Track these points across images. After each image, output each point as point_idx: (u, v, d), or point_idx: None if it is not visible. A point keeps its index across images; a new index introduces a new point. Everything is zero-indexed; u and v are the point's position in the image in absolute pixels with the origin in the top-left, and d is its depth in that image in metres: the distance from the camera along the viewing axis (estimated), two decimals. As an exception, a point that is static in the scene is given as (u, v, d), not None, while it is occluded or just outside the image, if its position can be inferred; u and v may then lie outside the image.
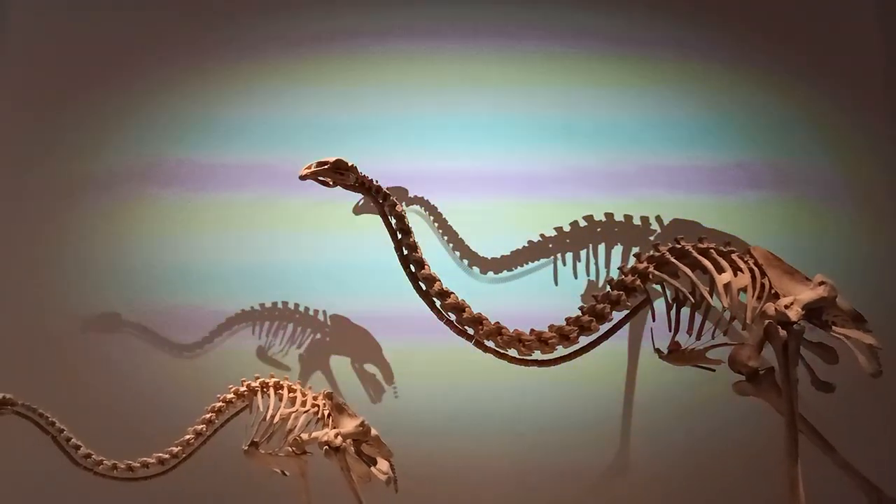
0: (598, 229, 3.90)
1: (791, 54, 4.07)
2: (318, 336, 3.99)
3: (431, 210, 4.02)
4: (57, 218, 4.11)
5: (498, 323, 2.82)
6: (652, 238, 3.85)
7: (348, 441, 3.05)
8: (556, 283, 3.89)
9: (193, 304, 4.00)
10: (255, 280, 4.01)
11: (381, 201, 2.82)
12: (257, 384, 3.34)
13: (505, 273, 3.96)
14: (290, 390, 3.31)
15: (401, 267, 2.82)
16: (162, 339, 3.99)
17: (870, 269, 3.85)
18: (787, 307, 2.68)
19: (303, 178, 2.72)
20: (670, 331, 2.84)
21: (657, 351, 2.89)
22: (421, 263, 2.82)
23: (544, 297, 3.82)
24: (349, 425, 3.09)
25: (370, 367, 3.95)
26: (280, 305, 4.01)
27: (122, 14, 4.27)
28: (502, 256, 3.97)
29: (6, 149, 4.18)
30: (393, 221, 2.83)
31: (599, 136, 4.04)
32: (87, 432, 3.25)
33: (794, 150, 4.00)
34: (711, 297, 2.78)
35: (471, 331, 2.83)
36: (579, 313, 2.85)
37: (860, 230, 3.91)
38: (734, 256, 2.89)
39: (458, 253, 3.99)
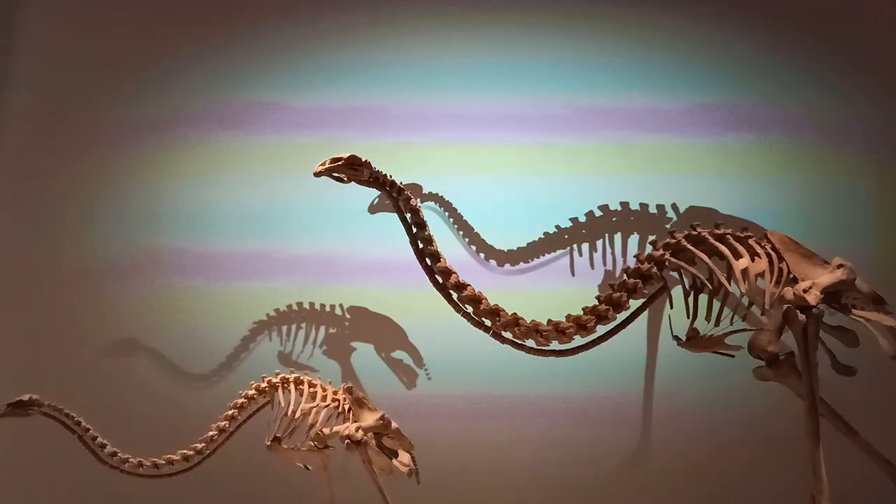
0: (614, 219, 3.89)
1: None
2: (339, 330, 4.01)
3: (446, 205, 4.03)
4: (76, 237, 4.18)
5: (515, 314, 2.83)
6: (668, 226, 3.84)
7: (369, 434, 3.07)
8: (573, 274, 3.88)
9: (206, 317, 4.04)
10: (263, 285, 4.04)
11: (396, 196, 2.84)
12: (278, 380, 3.38)
13: (521, 265, 3.96)
14: (311, 385, 3.34)
15: (417, 261, 2.84)
16: (186, 364, 4.02)
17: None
18: (805, 291, 2.66)
19: (317, 174, 2.73)
20: (688, 318, 2.84)
21: (676, 338, 2.89)
22: (437, 256, 2.84)
23: (561, 288, 3.82)
24: (369, 419, 3.12)
25: (398, 354, 3.97)
26: (295, 307, 4.04)
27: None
28: (518, 249, 3.97)
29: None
30: (408, 216, 2.85)
31: (610, 122, 4.04)
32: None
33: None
34: (729, 282, 2.78)
35: (488, 322, 2.84)
36: (596, 303, 2.86)
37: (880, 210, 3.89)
38: (751, 241, 2.87)
39: (474, 247, 4.00)
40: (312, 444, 3.20)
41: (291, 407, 3.26)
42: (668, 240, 2.91)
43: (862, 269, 2.79)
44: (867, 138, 3.94)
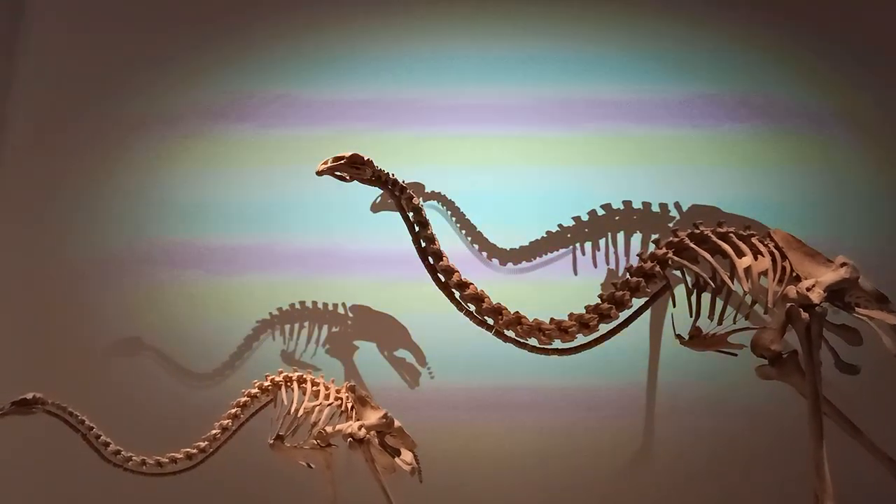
0: (617, 218, 3.88)
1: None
2: (342, 329, 4.02)
3: (449, 204, 4.03)
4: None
5: (518, 312, 2.83)
6: (671, 224, 3.83)
7: (372, 433, 3.08)
8: (576, 273, 3.88)
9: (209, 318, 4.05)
10: (266, 284, 4.04)
11: (398, 194, 2.84)
12: (281, 378, 3.39)
13: (524, 264, 3.96)
14: (314, 384, 3.35)
15: (419, 259, 2.84)
16: (189, 362, 4.02)
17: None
18: (808, 289, 2.65)
19: (319, 173, 2.73)
20: (691, 316, 2.83)
21: (678, 337, 2.88)
22: (439, 255, 2.84)
23: (564, 287, 3.81)
24: (372, 417, 3.12)
25: (401, 353, 3.97)
26: (298, 306, 4.04)
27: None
28: (521, 248, 3.97)
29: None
30: (410, 214, 2.84)
31: (612, 117, 4.05)
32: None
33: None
34: (732, 281, 2.77)
35: (490, 321, 2.84)
36: (599, 301, 2.85)
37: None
38: (754, 240, 2.87)
39: (476, 246, 4.00)
40: (315, 442, 3.20)
41: (294, 405, 3.27)
42: (670, 238, 2.90)
43: (865, 265, 2.79)
44: (870, 131, 3.94)
